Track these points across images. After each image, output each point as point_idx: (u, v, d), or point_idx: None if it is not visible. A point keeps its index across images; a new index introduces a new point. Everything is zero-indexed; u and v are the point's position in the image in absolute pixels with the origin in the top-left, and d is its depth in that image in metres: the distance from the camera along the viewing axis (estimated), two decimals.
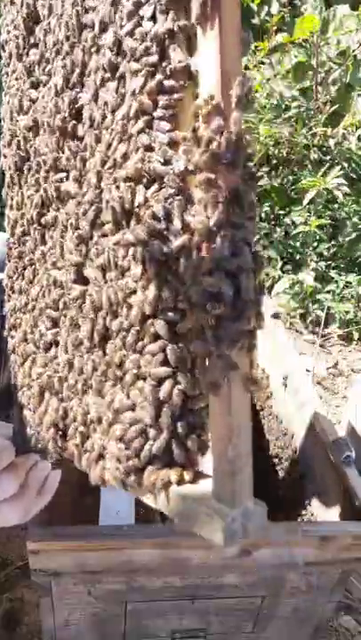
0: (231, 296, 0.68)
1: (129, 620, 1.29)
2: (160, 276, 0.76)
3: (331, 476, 1.40)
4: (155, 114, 0.75)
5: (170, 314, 0.75)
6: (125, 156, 0.80)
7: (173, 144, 0.74)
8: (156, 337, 0.78)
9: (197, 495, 0.75)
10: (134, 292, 0.81)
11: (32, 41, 1.02)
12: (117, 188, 0.81)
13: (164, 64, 0.74)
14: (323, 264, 3.16)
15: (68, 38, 0.92)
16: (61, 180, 0.95)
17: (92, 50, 0.87)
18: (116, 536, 1.13)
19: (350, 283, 3.09)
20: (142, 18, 0.76)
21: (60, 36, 0.93)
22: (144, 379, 0.80)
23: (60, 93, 0.93)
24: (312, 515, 1.49)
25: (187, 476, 0.77)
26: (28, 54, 1.02)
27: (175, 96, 0.73)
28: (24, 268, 1.07)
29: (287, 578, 1.26)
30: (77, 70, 0.90)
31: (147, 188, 0.77)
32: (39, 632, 1.44)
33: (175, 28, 0.72)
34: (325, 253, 3.20)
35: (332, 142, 3.34)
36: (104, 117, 0.86)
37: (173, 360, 0.77)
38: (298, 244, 3.20)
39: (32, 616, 1.56)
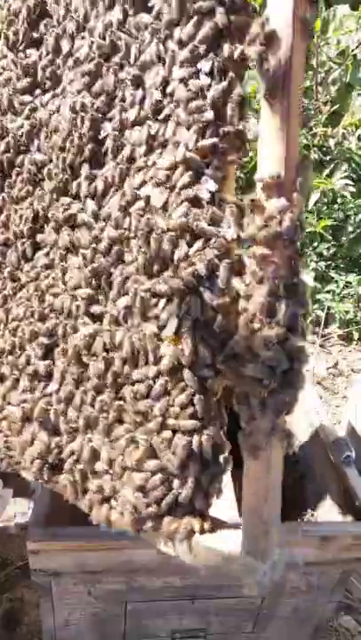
0: (286, 369, 0.69)
1: (129, 620, 1.28)
2: (197, 332, 0.77)
3: (331, 476, 1.40)
4: (206, 171, 0.76)
5: (205, 370, 0.77)
6: (165, 206, 0.80)
7: (220, 204, 0.75)
8: (185, 389, 0.79)
9: (226, 551, 0.79)
10: (162, 340, 0.81)
11: (34, 36, 0.97)
12: (150, 232, 0.80)
13: (218, 122, 0.74)
14: (323, 264, 3.16)
15: (92, 58, 0.88)
16: (70, 205, 0.92)
17: (128, 80, 0.84)
18: (116, 536, 1.13)
19: (350, 283, 3.08)
20: (199, 70, 0.75)
21: (84, 50, 0.89)
22: (173, 430, 0.81)
23: (78, 111, 0.89)
24: (312, 515, 1.49)
25: (206, 525, 0.81)
26: (25, 52, 0.99)
27: (229, 158, 0.74)
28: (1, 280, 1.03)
29: (287, 578, 1.26)
30: (104, 95, 0.87)
31: (189, 244, 0.77)
32: (39, 632, 1.44)
33: (234, 92, 0.73)
34: (325, 253, 3.20)
35: (332, 142, 3.34)
36: (133, 154, 0.84)
37: (201, 412, 0.79)
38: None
39: (32, 616, 1.55)
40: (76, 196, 0.92)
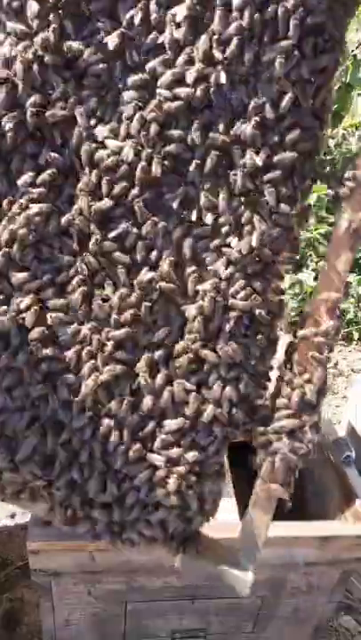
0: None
1: (129, 620, 1.29)
2: (237, 396, 0.89)
3: (331, 476, 1.40)
4: (272, 265, 0.87)
5: (234, 429, 0.91)
6: (230, 281, 0.86)
7: (275, 293, 0.89)
8: (214, 442, 0.91)
9: (223, 567, 1.01)
10: (204, 398, 0.89)
11: (82, 9, 0.82)
12: (214, 301, 0.86)
13: (292, 233, 0.87)
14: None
15: (175, 98, 0.81)
16: (104, 237, 0.87)
17: (212, 146, 0.83)
18: None
19: (350, 283, 3.08)
20: (288, 192, 0.84)
21: (164, 79, 0.82)
22: (197, 474, 0.91)
23: (146, 147, 0.83)
24: (312, 515, 1.49)
25: (202, 546, 1.00)
26: (65, 23, 0.83)
27: (291, 258, 0.88)
28: None
29: (287, 578, 1.26)
30: (180, 145, 0.83)
31: (245, 325, 0.88)
32: (39, 632, 1.44)
33: (308, 214, 0.88)
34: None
35: (332, 143, 3.34)
36: (200, 215, 0.86)
37: (222, 461, 0.94)
38: None
39: (32, 616, 1.55)
40: (119, 238, 0.87)
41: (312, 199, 3.08)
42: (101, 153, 0.84)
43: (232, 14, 0.78)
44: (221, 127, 0.82)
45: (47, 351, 0.88)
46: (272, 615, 1.33)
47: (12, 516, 1.83)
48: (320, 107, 0.81)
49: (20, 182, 0.86)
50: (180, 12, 0.80)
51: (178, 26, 0.80)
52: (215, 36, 0.79)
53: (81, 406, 0.90)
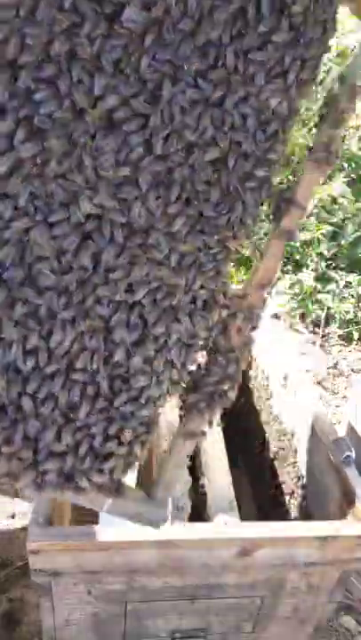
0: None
1: (129, 620, 1.29)
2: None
3: (331, 476, 1.40)
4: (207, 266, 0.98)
5: (178, 387, 1.04)
6: (206, 262, 0.96)
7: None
8: (164, 392, 1.01)
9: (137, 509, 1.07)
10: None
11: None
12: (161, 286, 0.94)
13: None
14: (323, 264, 3.15)
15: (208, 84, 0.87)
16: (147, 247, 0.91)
17: (215, 143, 0.89)
18: (117, 536, 1.13)
19: (350, 283, 3.08)
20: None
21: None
22: (145, 425, 1.01)
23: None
24: (312, 515, 1.49)
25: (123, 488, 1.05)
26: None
27: (235, 248, 0.99)
28: None
29: (287, 578, 1.26)
30: (192, 137, 0.88)
31: (200, 313, 1.00)
32: (39, 632, 1.44)
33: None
34: (326, 253, 3.20)
35: None
36: (191, 199, 0.92)
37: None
38: (298, 244, 3.19)
39: (32, 616, 1.56)
40: (124, 200, 0.86)
41: (314, 201, 3.09)
42: (125, 111, 0.81)
43: (260, 40, 0.86)
44: (225, 129, 0.89)
45: (25, 292, 0.84)
46: (272, 615, 1.33)
47: (12, 517, 1.83)
48: (286, 138, 0.96)
49: (42, 111, 0.77)
50: (219, 15, 0.83)
51: (214, 25, 0.83)
52: (242, 52, 0.86)
53: (49, 355, 0.88)
